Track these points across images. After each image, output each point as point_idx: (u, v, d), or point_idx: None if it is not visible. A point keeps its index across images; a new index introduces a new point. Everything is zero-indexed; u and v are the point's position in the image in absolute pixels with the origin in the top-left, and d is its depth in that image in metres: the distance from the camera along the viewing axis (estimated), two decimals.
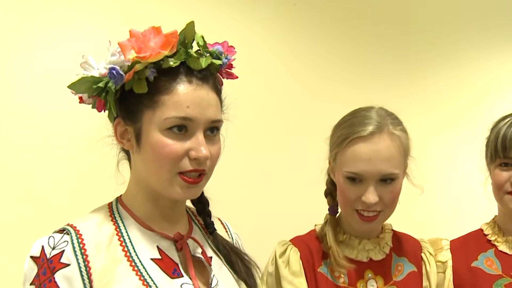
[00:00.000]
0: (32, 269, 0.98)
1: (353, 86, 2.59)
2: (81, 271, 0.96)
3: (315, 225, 1.48)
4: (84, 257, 0.97)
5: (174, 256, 1.07)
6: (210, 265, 1.11)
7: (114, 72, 1.00)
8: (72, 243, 0.98)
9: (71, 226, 1.02)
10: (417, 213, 2.44)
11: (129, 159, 1.12)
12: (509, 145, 1.45)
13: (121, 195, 1.12)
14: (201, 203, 1.20)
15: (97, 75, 1.03)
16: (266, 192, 2.32)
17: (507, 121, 1.48)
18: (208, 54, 1.06)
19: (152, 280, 1.00)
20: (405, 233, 1.52)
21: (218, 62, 1.07)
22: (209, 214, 1.21)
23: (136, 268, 1.01)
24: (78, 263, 0.97)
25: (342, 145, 1.33)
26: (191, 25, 1.04)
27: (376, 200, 1.30)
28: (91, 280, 0.96)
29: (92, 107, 1.08)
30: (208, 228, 1.19)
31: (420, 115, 2.69)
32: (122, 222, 1.06)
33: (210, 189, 1.17)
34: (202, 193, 1.18)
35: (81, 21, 1.99)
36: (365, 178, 1.30)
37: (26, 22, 1.90)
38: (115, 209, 1.09)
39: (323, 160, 1.44)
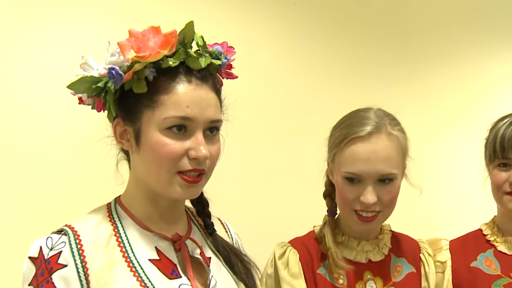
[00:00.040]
0: (30, 270, 0.98)
1: (353, 86, 2.59)
2: (78, 272, 0.96)
3: (314, 227, 1.48)
4: (82, 258, 0.97)
5: (173, 256, 1.07)
6: (209, 265, 1.11)
7: (113, 72, 1.00)
8: (70, 244, 0.98)
9: (69, 227, 1.02)
10: (416, 213, 2.44)
11: (128, 160, 1.11)
12: (507, 146, 1.45)
13: (120, 196, 1.12)
14: (201, 204, 1.20)
15: (96, 75, 1.03)
16: (266, 192, 2.32)
17: (506, 122, 1.49)
18: (207, 54, 1.06)
19: (149, 281, 1.00)
20: (403, 233, 1.52)
21: (217, 62, 1.07)
22: (208, 215, 1.20)
23: (133, 269, 1.01)
24: (76, 264, 0.97)
25: (340, 145, 1.33)
26: (190, 25, 1.05)
27: (375, 200, 1.30)
28: (89, 281, 0.96)
29: (92, 108, 1.08)
30: (208, 229, 1.18)
31: (419, 115, 2.69)
32: (121, 223, 1.06)
33: (210, 190, 1.17)
34: (202, 194, 1.18)
35: (81, 21, 1.99)
36: (363, 178, 1.30)
37: (26, 22, 1.90)
38: (114, 210, 1.09)
39: (322, 160, 1.44)
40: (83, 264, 0.97)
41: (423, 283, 1.45)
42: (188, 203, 1.19)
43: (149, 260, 1.03)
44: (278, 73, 2.45)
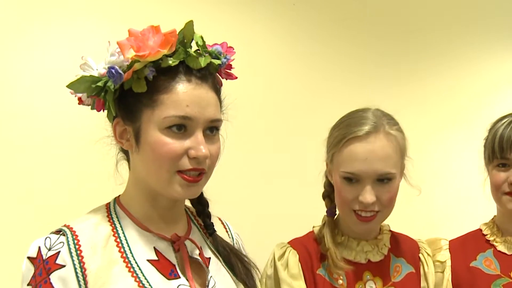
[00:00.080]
0: (29, 270, 0.98)
1: (353, 86, 2.59)
2: (76, 272, 0.96)
3: (313, 227, 1.47)
4: (80, 258, 0.97)
5: (171, 257, 1.07)
6: (208, 266, 1.10)
7: (113, 71, 1.00)
8: (68, 244, 0.98)
9: (68, 227, 1.02)
10: (416, 213, 2.44)
11: (128, 159, 1.11)
12: (506, 146, 1.45)
13: (119, 196, 1.12)
14: (201, 205, 1.20)
15: (96, 75, 1.03)
16: (266, 192, 2.32)
17: (505, 122, 1.49)
18: (207, 54, 1.06)
19: (147, 282, 1.00)
20: (402, 234, 1.52)
21: (217, 61, 1.07)
22: (208, 216, 1.20)
23: (132, 269, 1.01)
24: (74, 264, 0.97)
25: (338, 145, 1.34)
26: (190, 25, 1.04)
27: (373, 199, 1.30)
28: (87, 281, 0.96)
29: (91, 108, 1.08)
30: (208, 230, 1.18)
31: (419, 115, 2.69)
32: (119, 223, 1.06)
33: (210, 190, 1.17)
34: (202, 194, 1.18)
35: (81, 21, 1.99)
36: (361, 178, 1.31)
37: (26, 22, 1.90)
38: (113, 210, 1.09)
39: (322, 160, 1.44)
40: (81, 264, 0.97)
41: (423, 283, 1.45)
42: (188, 203, 1.19)
43: (148, 260, 1.03)
44: (278, 73, 2.45)
